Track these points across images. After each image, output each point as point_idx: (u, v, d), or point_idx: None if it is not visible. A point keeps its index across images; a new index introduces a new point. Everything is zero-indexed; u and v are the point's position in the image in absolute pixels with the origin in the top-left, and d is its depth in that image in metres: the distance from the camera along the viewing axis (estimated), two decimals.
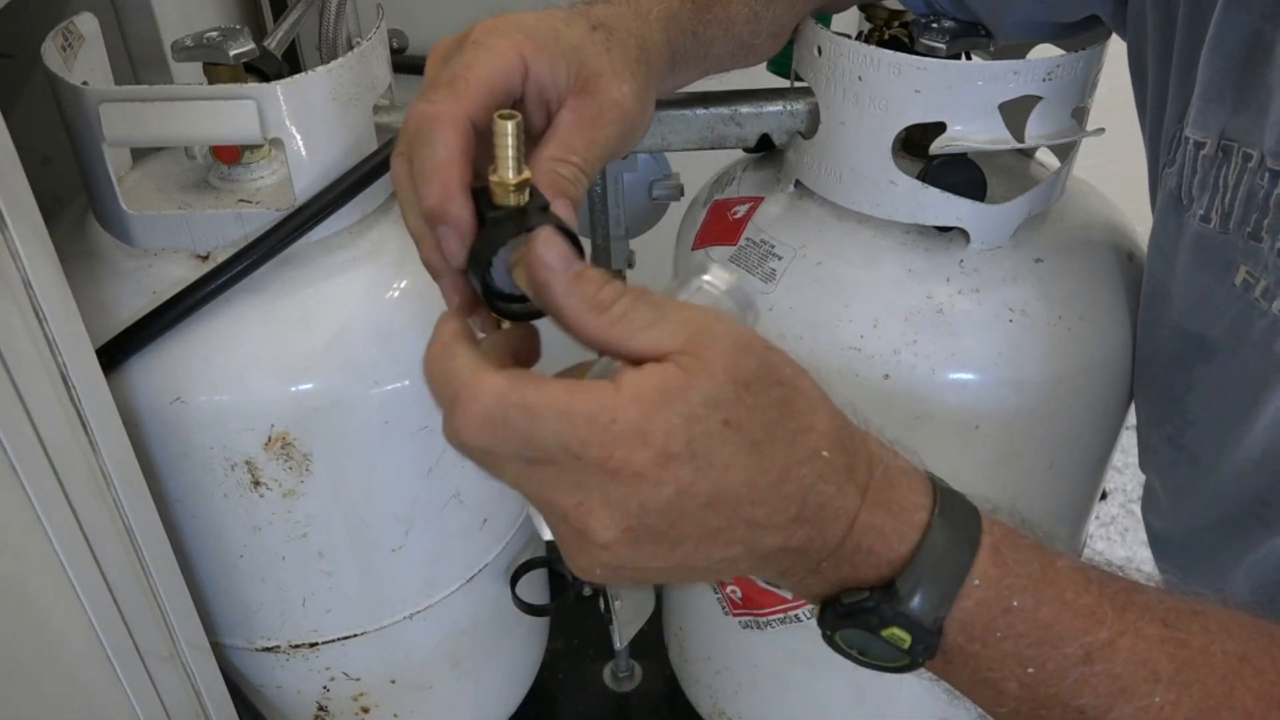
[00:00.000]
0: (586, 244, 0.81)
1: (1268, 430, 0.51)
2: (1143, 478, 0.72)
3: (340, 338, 0.62)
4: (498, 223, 0.38)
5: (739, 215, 0.72)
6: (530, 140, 0.43)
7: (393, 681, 0.80)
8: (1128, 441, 0.75)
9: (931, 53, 0.65)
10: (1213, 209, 0.52)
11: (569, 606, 0.90)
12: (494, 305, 0.40)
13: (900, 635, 0.36)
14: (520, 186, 0.37)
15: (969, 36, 0.66)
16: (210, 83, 0.62)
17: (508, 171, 0.37)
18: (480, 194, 0.39)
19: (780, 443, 0.34)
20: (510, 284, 0.39)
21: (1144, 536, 0.73)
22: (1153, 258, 0.60)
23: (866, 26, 0.73)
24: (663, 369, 0.32)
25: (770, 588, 0.78)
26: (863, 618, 0.36)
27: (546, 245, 0.33)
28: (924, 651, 0.37)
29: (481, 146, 0.40)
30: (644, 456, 0.31)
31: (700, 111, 0.69)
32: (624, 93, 0.45)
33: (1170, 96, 0.55)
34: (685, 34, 0.53)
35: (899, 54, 0.60)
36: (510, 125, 0.36)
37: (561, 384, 0.32)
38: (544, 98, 0.43)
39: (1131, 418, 0.73)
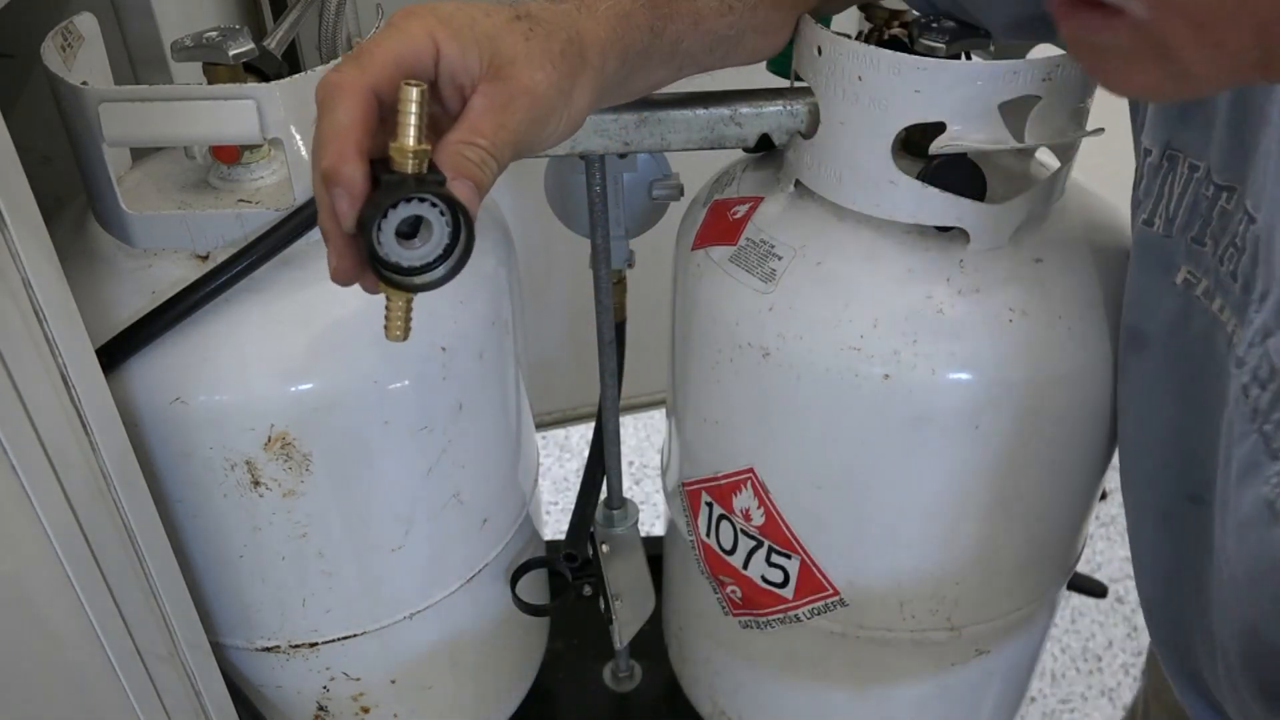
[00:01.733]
0: (586, 244, 0.81)
1: (1206, 424, 0.53)
2: None
3: (341, 338, 0.62)
4: (389, 186, 0.38)
5: (739, 215, 0.72)
6: (447, 126, 0.44)
7: (393, 681, 0.80)
8: None
9: (931, 53, 0.65)
10: (1157, 214, 0.54)
11: (569, 606, 0.90)
12: (380, 272, 0.40)
13: None
14: (419, 155, 0.38)
15: (969, 37, 0.66)
16: (210, 83, 0.62)
17: (408, 138, 0.37)
18: (380, 164, 0.39)
19: None
20: (399, 252, 0.39)
21: None
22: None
23: (866, 26, 0.73)
24: None
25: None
26: None
27: None
28: None
29: (387, 121, 0.41)
30: None
31: (700, 111, 0.69)
32: (536, 80, 0.44)
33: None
34: (641, 30, 0.52)
35: (899, 54, 0.60)
36: (415, 92, 0.37)
37: None
38: (457, 82, 0.43)
39: None
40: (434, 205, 0.39)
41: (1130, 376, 0.61)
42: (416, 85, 0.37)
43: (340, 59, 0.43)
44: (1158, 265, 0.55)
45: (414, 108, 0.37)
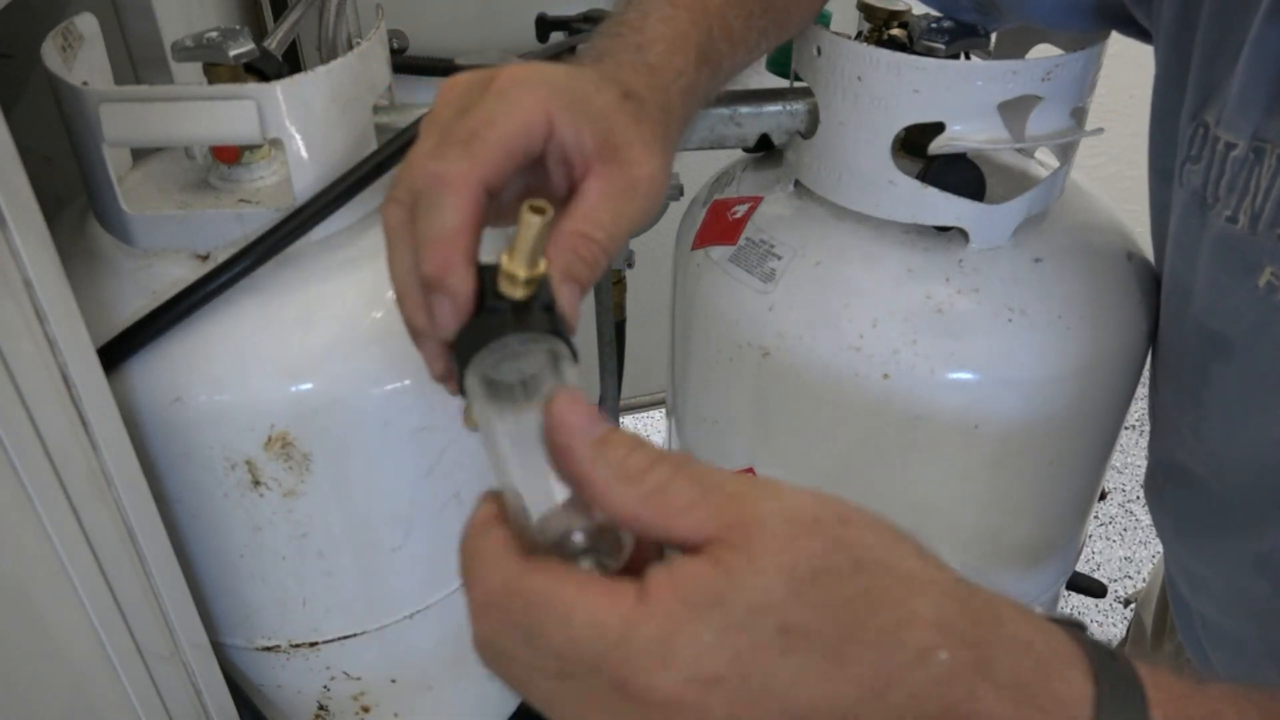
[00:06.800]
0: None
1: None
2: (1141, 478, 0.72)
3: (340, 338, 0.62)
4: (493, 314, 0.35)
5: (738, 215, 0.72)
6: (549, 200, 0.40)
7: (393, 681, 0.80)
8: (1127, 441, 0.75)
9: (931, 53, 0.66)
10: (1241, 209, 0.51)
11: None
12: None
13: None
14: (529, 282, 0.34)
15: (968, 36, 0.66)
16: (210, 83, 0.62)
17: (521, 265, 0.34)
18: (486, 270, 0.36)
19: (869, 643, 0.27)
20: (500, 376, 0.35)
21: (1143, 536, 0.73)
22: (1173, 253, 0.59)
23: (865, 26, 0.73)
24: (697, 568, 0.27)
25: None
26: None
27: (567, 406, 0.29)
28: None
29: (492, 209, 0.38)
30: (670, 681, 0.25)
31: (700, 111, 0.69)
32: (655, 166, 0.41)
33: (1189, 91, 0.55)
34: (698, 100, 0.51)
35: (898, 54, 0.60)
36: (539, 221, 0.33)
37: (579, 582, 0.27)
38: (567, 160, 0.40)
39: (1131, 418, 0.73)
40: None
41: (1214, 383, 0.58)
42: (541, 212, 0.33)
43: (438, 137, 0.37)
44: (1240, 265, 0.52)
45: (534, 234, 0.33)
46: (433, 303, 0.36)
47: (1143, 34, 0.61)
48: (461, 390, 0.37)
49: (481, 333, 0.35)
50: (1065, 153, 0.69)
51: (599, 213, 0.39)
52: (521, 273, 0.34)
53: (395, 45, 1.08)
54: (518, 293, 0.34)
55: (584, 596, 0.27)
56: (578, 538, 0.29)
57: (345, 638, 0.74)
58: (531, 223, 0.33)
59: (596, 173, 0.39)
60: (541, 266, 0.35)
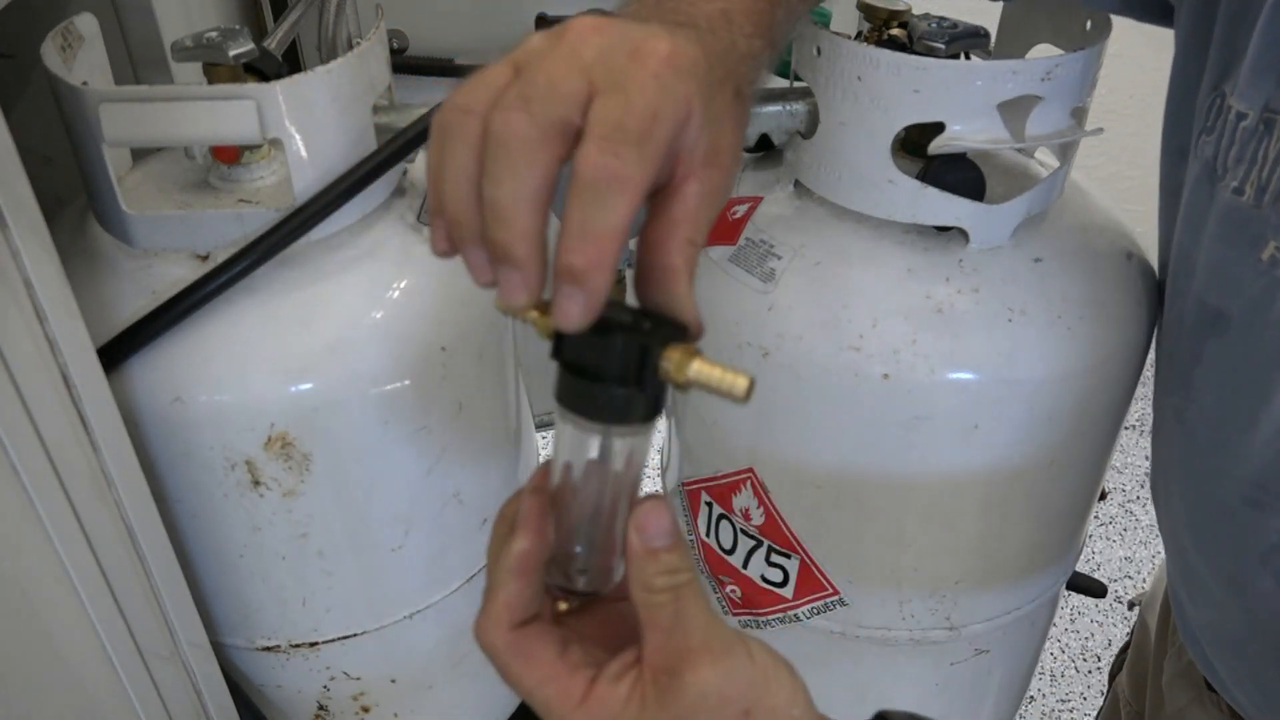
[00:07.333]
0: None
1: None
2: (1142, 478, 0.72)
3: (340, 338, 0.62)
4: (660, 326, 0.35)
5: (738, 215, 0.72)
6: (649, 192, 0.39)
7: (393, 681, 0.80)
8: (1127, 441, 0.75)
9: (931, 53, 0.66)
10: (1248, 181, 0.51)
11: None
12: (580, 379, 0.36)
13: None
14: (677, 384, 0.35)
15: (968, 37, 0.66)
16: (210, 83, 0.62)
17: (697, 375, 0.34)
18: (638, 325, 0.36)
19: None
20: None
21: (1143, 536, 0.73)
22: (1181, 229, 0.59)
23: (865, 26, 0.73)
24: (628, 692, 0.36)
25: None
26: None
27: (653, 514, 0.36)
28: None
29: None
30: None
31: None
32: (734, 175, 0.40)
33: (1210, 63, 0.54)
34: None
35: (898, 54, 0.60)
36: (743, 393, 0.34)
37: (543, 675, 0.36)
38: (677, 153, 0.37)
39: (1131, 418, 0.73)
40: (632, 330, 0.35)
41: (1206, 360, 0.57)
42: (747, 381, 0.34)
43: (608, 130, 0.34)
44: (1243, 239, 0.52)
45: (721, 388, 0.34)
46: (562, 293, 0.34)
47: (1159, 13, 0.60)
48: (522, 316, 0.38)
49: (646, 344, 0.35)
50: (1065, 153, 0.69)
51: (700, 218, 0.38)
52: (684, 377, 0.34)
53: (395, 45, 1.08)
54: (670, 378, 0.35)
55: (544, 688, 0.36)
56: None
57: (345, 638, 0.74)
58: (739, 391, 0.34)
59: (699, 175, 0.38)
60: (690, 376, 0.35)
